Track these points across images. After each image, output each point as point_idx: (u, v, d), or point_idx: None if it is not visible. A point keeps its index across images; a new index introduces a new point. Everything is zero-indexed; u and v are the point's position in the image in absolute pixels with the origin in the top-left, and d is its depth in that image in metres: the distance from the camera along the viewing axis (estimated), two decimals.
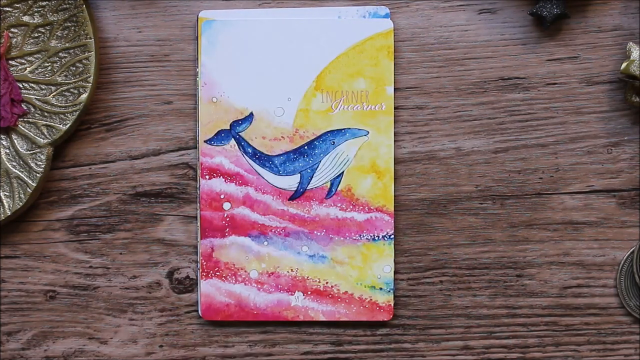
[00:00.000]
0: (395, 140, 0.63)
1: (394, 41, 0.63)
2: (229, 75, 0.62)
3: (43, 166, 0.63)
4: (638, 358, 0.63)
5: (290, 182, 0.63)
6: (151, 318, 0.64)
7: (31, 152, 0.63)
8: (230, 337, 0.64)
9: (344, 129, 0.62)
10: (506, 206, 0.63)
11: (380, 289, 0.62)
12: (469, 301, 0.63)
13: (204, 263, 0.62)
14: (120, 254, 0.64)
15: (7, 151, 0.63)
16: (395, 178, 0.63)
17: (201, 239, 0.62)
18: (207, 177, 0.62)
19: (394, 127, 0.63)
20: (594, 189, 0.63)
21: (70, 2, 0.63)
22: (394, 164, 0.63)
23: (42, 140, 0.63)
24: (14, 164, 0.63)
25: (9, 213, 0.63)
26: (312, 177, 0.62)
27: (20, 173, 0.63)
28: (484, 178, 0.63)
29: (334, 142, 0.62)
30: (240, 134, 0.62)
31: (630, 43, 0.61)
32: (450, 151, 0.63)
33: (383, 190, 0.62)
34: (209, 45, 0.62)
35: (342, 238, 0.62)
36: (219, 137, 0.63)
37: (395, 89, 0.63)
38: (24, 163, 0.63)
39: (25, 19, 0.63)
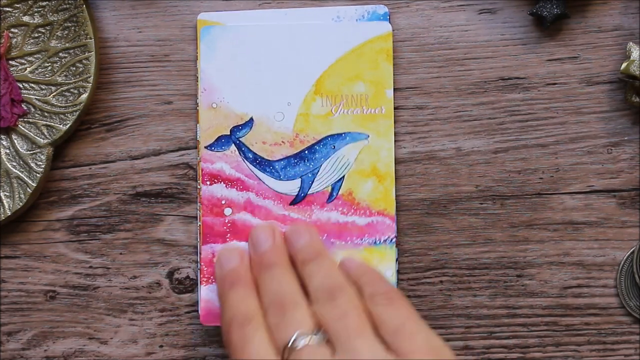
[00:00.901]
0: (395, 141, 0.63)
1: (394, 41, 0.63)
2: (229, 81, 0.62)
3: (43, 166, 0.63)
4: (638, 358, 0.63)
5: (291, 187, 0.62)
6: (151, 318, 0.64)
7: (31, 152, 0.63)
8: None
9: (344, 133, 0.62)
10: (506, 206, 0.63)
11: None
12: (469, 301, 0.63)
13: (205, 269, 0.62)
14: (121, 254, 0.64)
15: (7, 151, 0.63)
16: (395, 178, 0.63)
17: (202, 244, 0.62)
18: (208, 182, 0.62)
19: (395, 128, 0.63)
20: (594, 189, 0.63)
21: (70, 2, 0.63)
22: (395, 164, 0.63)
23: (42, 140, 0.63)
24: (14, 164, 0.63)
25: (9, 213, 0.63)
26: (312, 181, 0.62)
27: (20, 173, 0.63)
28: (484, 178, 0.63)
29: (334, 147, 0.62)
30: (240, 139, 0.62)
31: (630, 43, 0.61)
32: (450, 151, 0.63)
33: (384, 193, 0.62)
34: (208, 51, 0.62)
35: (343, 242, 0.62)
36: (219, 142, 0.62)
37: (395, 89, 0.63)
38: (24, 163, 0.63)
39: (25, 19, 0.63)
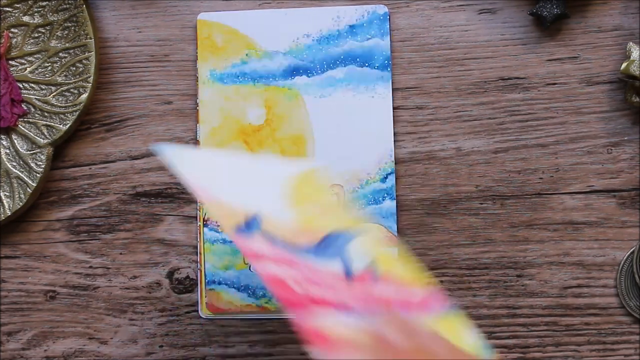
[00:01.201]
0: (395, 141, 0.63)
1: (394, 41, 0.63)
2: (222, 183, 0.55)
3: (43, 166, 0.63)
4: (638, 358, 0.63)
5: (335, 266, 0.54)
6: (151, 318, 0.64)
7: (31, 152, 0.63)
8: (230, 337, 0.64)
9: (350, 229, 0.56)
10: (506, 206, 0.63)
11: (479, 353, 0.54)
12: (469, 301, 0.63)
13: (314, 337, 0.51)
14: (121, 254, 0.64)
15: (7, 151, 0.63)
16: (395, 178, 0.63)
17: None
18: (256, 261, 0.53)
19: (395, 128, 0.63)
20: (594, 189, 0.63)
21: (70, 2, 0.63)
22: (395, 163, 0.63)
23: (42, 140, 0.63)
24: (14, 164, 0.63)
25: (9, 213, 0.63)
26: (351, 261, 0.55)
27: (20, 173, 0.63)
28: (484, 178, 0.63)
29: (348, 238, 0.55)
30: (259, 230, 0.54)
31: (630, 43, 0.61)
32: (450, 151, 0.63)
33: (417, 271, 0.55)
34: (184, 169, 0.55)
35: (411, 315, 0.54)
36: (241, 230, 0.54)
37: (395, 89, 0.63)
38: (24, 163, 0.63)
39: (25, 19, 0.63)
